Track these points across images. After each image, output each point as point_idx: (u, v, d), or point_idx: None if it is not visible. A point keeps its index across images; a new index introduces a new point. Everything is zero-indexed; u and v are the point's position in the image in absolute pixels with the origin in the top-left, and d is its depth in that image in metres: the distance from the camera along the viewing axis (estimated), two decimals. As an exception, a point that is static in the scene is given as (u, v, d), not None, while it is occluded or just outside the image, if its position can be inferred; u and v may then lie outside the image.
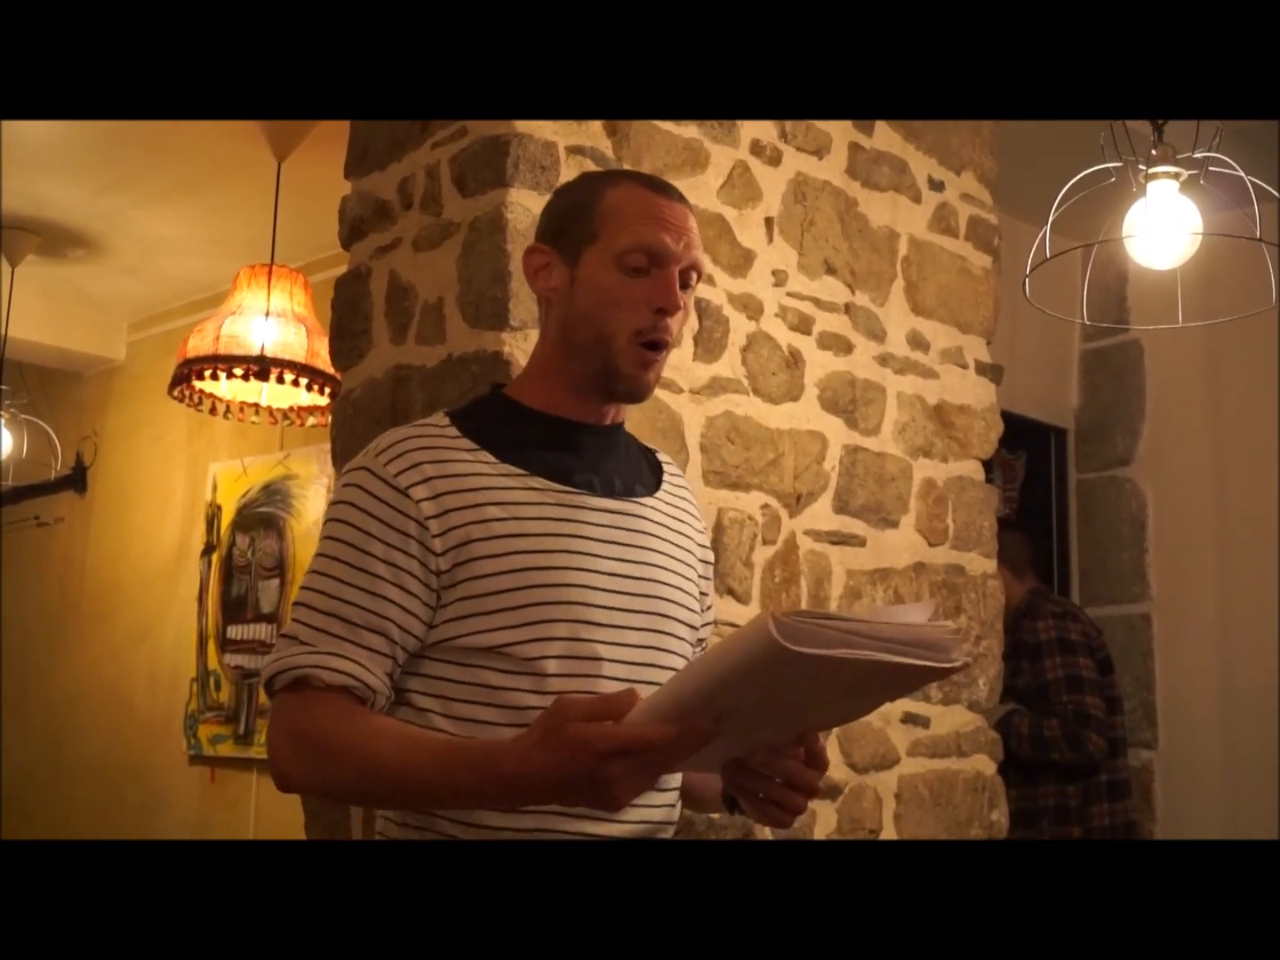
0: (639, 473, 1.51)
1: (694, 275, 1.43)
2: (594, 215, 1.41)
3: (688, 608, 1.48)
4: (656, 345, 1.40)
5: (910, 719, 2.74)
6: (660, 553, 1.45)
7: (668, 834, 1.43)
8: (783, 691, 1.10)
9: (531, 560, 1.34)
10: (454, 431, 1.40)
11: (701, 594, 1.55)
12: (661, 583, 1.44)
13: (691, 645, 1.50)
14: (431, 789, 1.23)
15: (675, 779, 1.46)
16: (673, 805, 1.45)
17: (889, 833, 2.66)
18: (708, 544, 1.60)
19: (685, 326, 2.39)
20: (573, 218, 1.44)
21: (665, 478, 1.54)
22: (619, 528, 1.42)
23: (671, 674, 1.40)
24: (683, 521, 1.53)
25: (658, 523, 1.47)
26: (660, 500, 1.50)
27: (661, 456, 1.59)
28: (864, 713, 1.35)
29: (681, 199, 1.45)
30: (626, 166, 2.34)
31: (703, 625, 1.58)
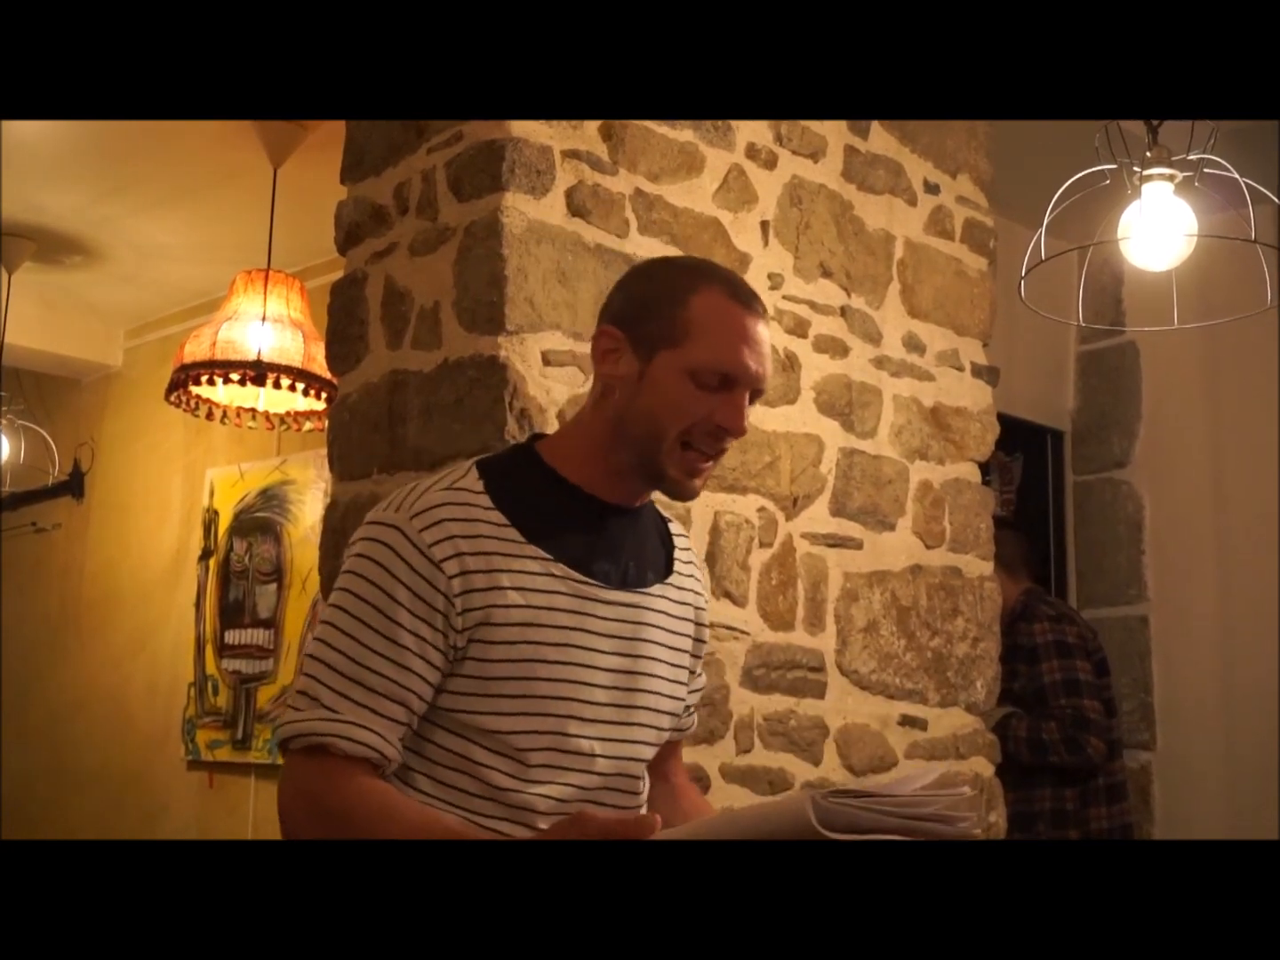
0: (654, 556, 1.53)
1: (758, 394, 1.44)
2: (677, 319, 1.40)
3: (674, 698, 1.53)
4: (709, 456, 1.43)
5: (908, 721, 2.74)
6: (658, 644, 1.49)
7: None
8: None
9: (538, 652, 1.38)
10: (487, 501, 1.40)
11: (692, 673, 1.61)
12: (654, 676, 1.48)
13: (668, 731, 1.55)
14: None
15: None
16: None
17: (887, 835, 2.66)
18: (705, 607, 1.63)
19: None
20: (652, 313, 1.42)
21: (675, 553, 1.57)
22: (624, 621, 1.45)
23: (640, 764, 1.48)
24: (685, 605, 1.56)
25: (662, 611, 1.50)
26: (669, 586, 1.53)
27: (674, 527, 1.61)
28: None
29: (763, 311, 1.44)
30: (622, 171, 2.34)
31: (692, 692, 1.63)
